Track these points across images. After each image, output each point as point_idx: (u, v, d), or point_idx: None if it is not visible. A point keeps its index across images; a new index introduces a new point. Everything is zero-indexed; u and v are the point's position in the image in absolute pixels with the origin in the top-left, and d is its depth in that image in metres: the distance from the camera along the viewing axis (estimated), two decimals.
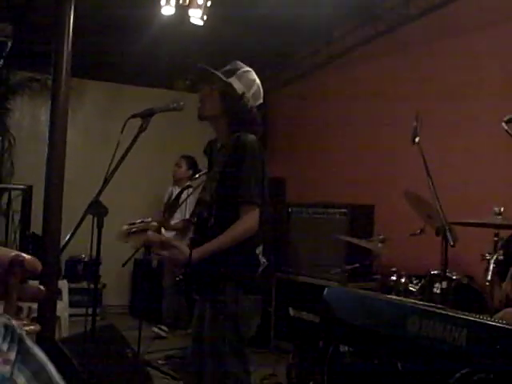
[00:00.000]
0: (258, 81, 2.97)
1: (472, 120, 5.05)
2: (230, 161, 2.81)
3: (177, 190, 6.27)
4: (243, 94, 2.88)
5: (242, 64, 2.97)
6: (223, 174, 2.81)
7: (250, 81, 2.93)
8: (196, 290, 2.98)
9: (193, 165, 6.33)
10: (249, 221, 2.73)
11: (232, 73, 2.89)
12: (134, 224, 2.76)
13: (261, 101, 3.00)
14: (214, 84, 2.88)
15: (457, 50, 5.31)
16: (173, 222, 5.97)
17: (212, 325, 2.78)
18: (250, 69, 2.96)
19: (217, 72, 2.89)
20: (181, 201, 6.00)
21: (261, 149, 2.86)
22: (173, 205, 6.10)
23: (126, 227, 2.76)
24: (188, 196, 5.60)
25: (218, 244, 2.72)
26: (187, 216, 5.80)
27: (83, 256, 7.02)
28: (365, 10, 6.18)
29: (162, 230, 5.98)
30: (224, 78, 2.86)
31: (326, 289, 2.59)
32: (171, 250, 2.72)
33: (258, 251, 2.81)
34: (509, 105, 4.34)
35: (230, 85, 2.85)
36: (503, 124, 1.99)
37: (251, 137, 2.83)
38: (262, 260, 2.82)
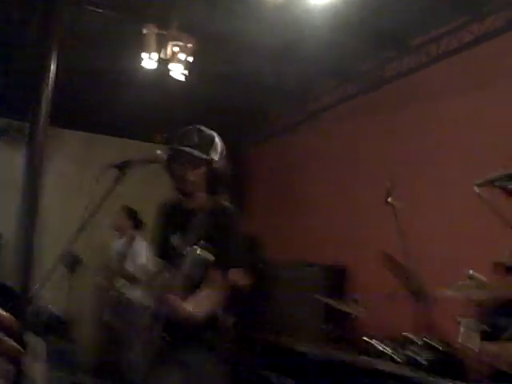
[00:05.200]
0: (221, 143, 3.00)
1: (444, 182, 5.10)
2: (213, 226, 2.81)
3: (119, 240, 6.30)
4: (225, 164, 2.94)
5: (206, 130, 2.98)
6: (204, 237, 2.79)
7: (221, 146, 2.97)
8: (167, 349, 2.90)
9: (132, 215, 6.36)
10: (224, 287, 2.79)
11: (209, 146, 2.91)
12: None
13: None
14: (196, 164, 2.88)
15: (429, 114, 5.41)
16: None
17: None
18: (214, 133, 2.99)
19: (203, 155, 2.87)
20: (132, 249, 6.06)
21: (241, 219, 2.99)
22: (121, 254, 6.12)
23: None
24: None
25: (206, 305, 2.72)
26: (138, 263, 5.83)
27: (51, 307, 6.85)
28: (342, 71, 6.32)
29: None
30: (205, 157, 2.87)
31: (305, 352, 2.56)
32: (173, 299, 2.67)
33: (230, 319, 2.90)
34: (479, 169, 4.40)
35: (214, 160, 2.89)
36: (475, 188, 2.01)
37: (230, 205, 2.93)
38: (228, 319, 2.88)
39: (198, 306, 2.67)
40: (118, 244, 6.32)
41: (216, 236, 2.78)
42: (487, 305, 3.85)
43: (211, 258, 2.69)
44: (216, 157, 2.90)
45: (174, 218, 3.00)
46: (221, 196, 2.94)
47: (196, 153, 2.86)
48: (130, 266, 6.05)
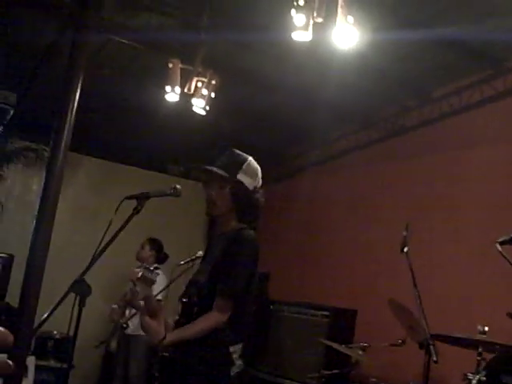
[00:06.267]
0: (258, 167, 2.97)
1: (460, 235, 5.07)
2: (227, 251, 2.78)
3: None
4: (255, 188, 2.91)
5: (239, 152, 2.96)
6: (217, 262, 2.78)
7: (255, 170, 2.94)
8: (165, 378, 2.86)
9: (156, 247, 6.37)
10: (216, 316, 2.68)
11: (238, 167, 2.88)
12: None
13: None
14: (222, 184, 2.87)
15: (447, 165, 5.41)
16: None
17: None
18: (249, 157, 2.96)
19: (226, 174, 2.85)
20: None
21: (258, 247, 2.84)
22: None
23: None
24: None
25: (189, 334, 2.65)
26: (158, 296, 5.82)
27: (55, 333, 6.80)
28: (362, 116, 6.35)
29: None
30: (234, 178, 2.85)
31: None
32: (153, 326, 2.63)
33: (232, 349, 2.71)
34: (496, 223, 4.38)
35: (241, 182, 2.87)
36: (497, 245, 1.99)
37: (251, 233, 2.83)
38: (238, 362, 2.73)
39: (177, 335, 2.63)
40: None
41: (225, 265, 2.74)
42: (495, 361, 3.79)
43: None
44: (245, 179, 2.87)
45: (208, 246, 3.03)
46: (248, 223, 2.86)
47: (217, 170, 2.85)
48: None
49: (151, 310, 2.54)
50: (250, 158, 2.95)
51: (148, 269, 2.75)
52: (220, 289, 2.70)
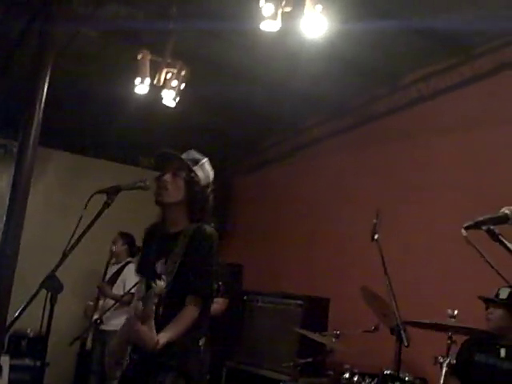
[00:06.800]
0: (212, 171, 3.03)
1: (430, 220, 5.13)
2: (190, 251, 2.80)
3: (115, 266, 6.33)
4: (208, 184, 2.96)
5: (197, 153, 3.02)
6: (182, 263, 2.78)
7: (208, 171, 3.00)
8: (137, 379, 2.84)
9: (128, 241, 6.36)
10: (194, 312, 2.74)
11: (195, 162, 2.94)
12: None
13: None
14: (178, 171, 2.89)
15: (417, 150, 5.47)
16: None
17: None
18: (206, 158, 3.02)
19: (186, 160, 2.91)
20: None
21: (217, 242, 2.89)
22: (112, 278, 6.11)
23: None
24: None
25: (177, 332, 2.67)
26: (127, 289, 5.81)
27: (28, 331, 6.73)
28: (333, 105, 6.37)
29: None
30: (191, 166, 2.90)
31: None
32: (142, 330, 2.59)
33: (201, 343, 2.82)
34: (467, 208, 4.44)
35: (196, 174, 2.90)
36: (462, 230, 2.02)
37: (212, 229, 2.88)
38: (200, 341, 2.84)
39: (168, 335, 2.63)
40: (112, 270, 6.32)
41: (191, 262, 2.77)
42: (469, 342, 3.88)
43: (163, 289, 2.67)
44: (200, 174, 2.92)
45: (159, 243, 2.97)
46: (204, 222, 2.90)
47: (174, 153, 2.91)
48: (118, 291, 6.03)
49: (144, 316, 2.52)
50: (207, 159, 3.01)
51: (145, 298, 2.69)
52: (194, 287, 2.74)
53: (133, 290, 5.49)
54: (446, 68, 5.21)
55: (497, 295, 3.87)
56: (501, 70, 4.79)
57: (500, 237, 1.97)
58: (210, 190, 2.98)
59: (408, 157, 5.57)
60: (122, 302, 5.83)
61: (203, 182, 2.93)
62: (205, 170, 2.96)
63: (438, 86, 5.32)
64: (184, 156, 2.95)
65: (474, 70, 4.99)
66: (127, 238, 6.43)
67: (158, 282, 2.52)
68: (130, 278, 5.93)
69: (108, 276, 6.26)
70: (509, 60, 4.72)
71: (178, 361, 2.72)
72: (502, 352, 3.74)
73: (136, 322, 2.52)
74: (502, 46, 4.74)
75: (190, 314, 2.73)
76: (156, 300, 2.55)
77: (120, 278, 6.17)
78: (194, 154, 3.00)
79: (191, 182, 2.89)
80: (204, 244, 2.82)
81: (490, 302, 3.90)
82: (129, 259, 6.33)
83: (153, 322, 2.53)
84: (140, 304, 2.57)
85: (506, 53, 4.73)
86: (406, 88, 5.62)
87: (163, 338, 2.59)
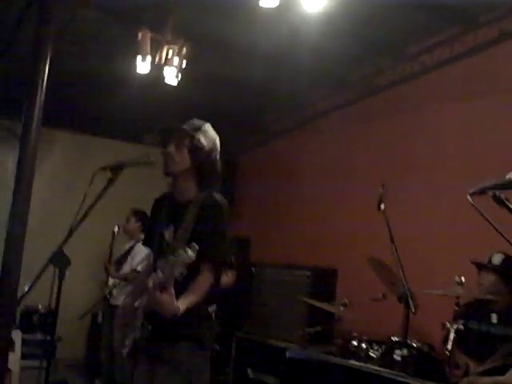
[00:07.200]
0: (216, 135, 3.02)
1: (434, 191, 5.14)
2: (202, 218, 2.82)
3: (129, 243, 6.35)
4: (212, 149, 2.95)
5: (198, 120, 3.01)
6: (195, 231, 2.80)
7: (213, 135, 2.99)
8: (151, 348, 2.88)
9: (142, 218, 6.37)
10: (210, 278, 2.78)
11: (197, 129, 2.94)
12: None
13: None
14: (181, 140, 2.91)
15: (421, 120, 5.46)
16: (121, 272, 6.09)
17: (165, 382, 2.74)
18: (207, 123, 3.01)
19: (186, 128, 2.93)
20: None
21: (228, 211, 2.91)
22: (123, 256, 6.16)
23: None
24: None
25: (195, 299, 2.70)
26: (134, 265, 5.85)
27: (39, 306, 6.83)
28: (335, 79, 6.35)
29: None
30: (193, 134, 2.90)
31: (288, 352, 2.57)
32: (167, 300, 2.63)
33: (210, 310, 2.85)
34: (469, 176, 4.45)
35: (199, 140, 2.90)
36: (468, 196, 2.04)
37: (222, 198, 2.90)
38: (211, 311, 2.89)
39: (187, 301, 2.66)
40: (125, 247, 6.35)
41: (205, 230, 2.78)
42: (467, 307, 3.91)
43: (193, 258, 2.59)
44: (203, 140, 2.92)
45: (168, 212, 3.00)
46: (212, 190, 2.92)
47: (175, 125, 2.92)
48: (127, 268, 6.07)
49: (165, 283, 2.54)
50: (208, 124, 3.00)
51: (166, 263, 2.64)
52: (209, 254, 2.73)
53: (139, 268, 5.53)
54: (448, 38, 5.16)
55: (489, 261, 3.88)
56: (504, 40, 4.75)
57: (506, 202, 1.99)
58: (216, 153, 2.98)
59: (412, 128, 5.56)
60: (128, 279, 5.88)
61: (207, 147, 2.93)
62: (207, 135, 2.95)
63: (440, 57, 5.27)
64: (185, 126, 2.96)
65: (476, 40, 4.95)
66: (140, 215, 6.43)
67: (187, 249, 2.50)
68: (138, 254, 5.97)
69: (120, 253, 6.30)
70: None
71: (192, 329, 2.77)
72: (494, 317, 3.77)
73: (156, 290, 2.54)
74: (506, 15, 4.69)
75: (206, 280, 2.76)
76: (183, 268, 2.48)
77: (130, 255, 6.21)
78: (194, 121, 3.00)
79: (195, 148, 2.90)
80: (216, 211, 2.85)
81: (482, 267, 3.91)
82: (142, 236, 6.34)
83: (173, 290, 2.54)
84: (159, 272, 2.59)
85: (510, 21, 4.69)
86: (409, 60, 5.59)
87: (182, 304, 2.62)
